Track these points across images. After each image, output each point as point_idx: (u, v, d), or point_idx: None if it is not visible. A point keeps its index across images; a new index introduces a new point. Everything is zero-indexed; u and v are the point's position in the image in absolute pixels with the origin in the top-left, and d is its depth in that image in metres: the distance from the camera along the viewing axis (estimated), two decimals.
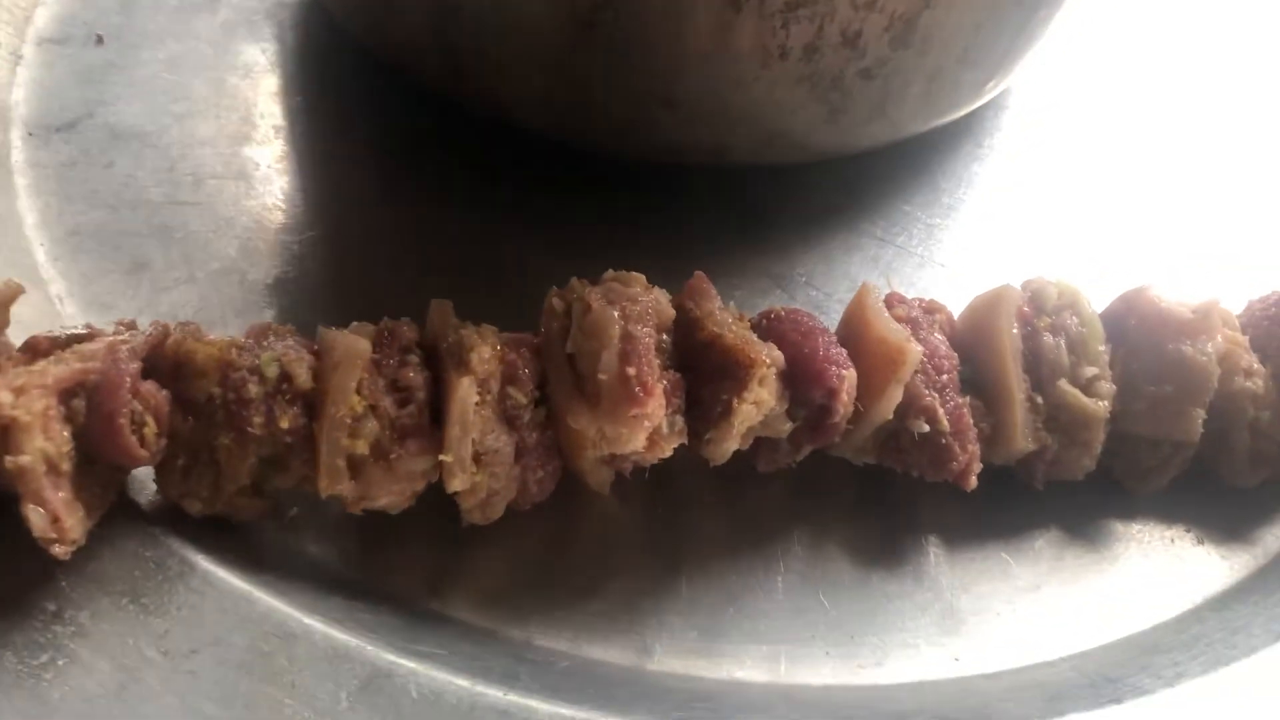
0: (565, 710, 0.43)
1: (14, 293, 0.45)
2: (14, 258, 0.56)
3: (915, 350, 0.48)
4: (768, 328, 0.49)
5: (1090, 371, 0.50)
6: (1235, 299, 0.55)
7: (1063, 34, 0.64)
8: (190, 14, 0.69)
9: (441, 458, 0.45)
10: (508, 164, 0.63)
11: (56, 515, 0.41)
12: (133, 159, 0.61)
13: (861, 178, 0.66)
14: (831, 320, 0.51)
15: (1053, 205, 0.67)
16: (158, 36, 0.67)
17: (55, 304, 0.55)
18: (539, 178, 0.63)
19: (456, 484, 0.45)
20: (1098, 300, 0.53)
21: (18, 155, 0.60)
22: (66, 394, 0.42)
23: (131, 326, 0.46)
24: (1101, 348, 0.51)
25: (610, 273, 0.48)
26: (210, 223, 0.59)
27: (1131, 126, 0.73)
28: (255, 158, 0.63)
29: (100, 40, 0.66)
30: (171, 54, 0.66)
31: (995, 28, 0.58)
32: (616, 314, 0.46)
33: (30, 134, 0.61)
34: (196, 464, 0.45)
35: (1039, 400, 0.50)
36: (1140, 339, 0.51)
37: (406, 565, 0.49)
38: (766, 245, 0.62)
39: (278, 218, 0.60)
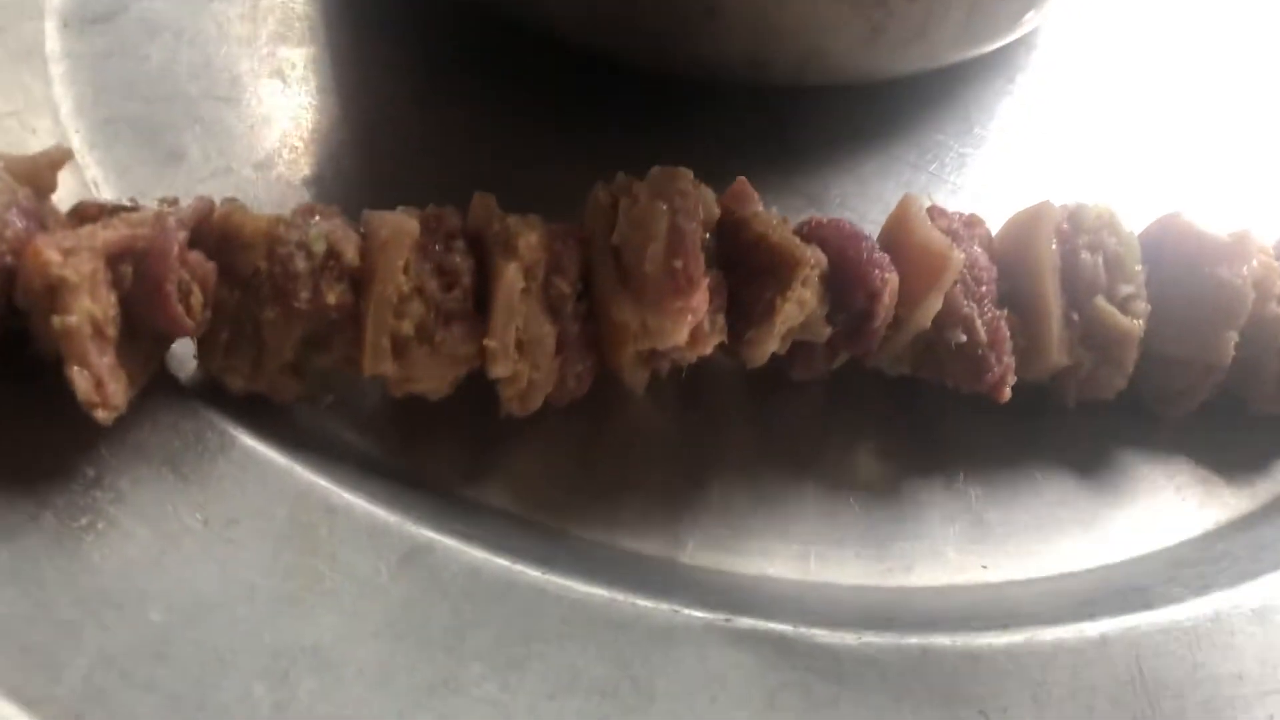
0: (602, 591, 0.43)
1: (63, 156, 0.44)
2: (50, 143, 0.55)
3: (958, 257, 0.48)
4: (809, 234, 0.49)
5: (1126, 290, 0.51)
6: (1266, 233, 0.55)
7: None
8: None
9: (486, 342, 0.45)
10: (544, 73, 0.63)
11: (100, 379, 0.41)
12: (169, 54, 0.60)
13: (894, 104, 0.65)
14: None
15: (1083, 140, 0.67)
16: None
17: (91, 189, 0.54)
18: (575, 89, 0.63)
19: (499, 369, 0.45)
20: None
21: (52, 44, 0.59)
22: (114, 259, 0.42)
23: (174, 204, 0.46)
24: (1138, 267, 0.51)
25: (657, 168, 0.48)
26: (246, 119, 0.59)
27: (1159, 64, 0.72)
28: (292, 58, 0.62)
29: None
30: None
31: None
32: (665, 207, 0.46)
33: (65, 24, 0.60)
34: (240, 338, 0.45)
35: (1075, 317, 0.50)
36: (1175, 261, 0.51)
37: (442, 455, 0.49)
38: (800, 166, 0.62)
39: (314, 118, 0.60)
